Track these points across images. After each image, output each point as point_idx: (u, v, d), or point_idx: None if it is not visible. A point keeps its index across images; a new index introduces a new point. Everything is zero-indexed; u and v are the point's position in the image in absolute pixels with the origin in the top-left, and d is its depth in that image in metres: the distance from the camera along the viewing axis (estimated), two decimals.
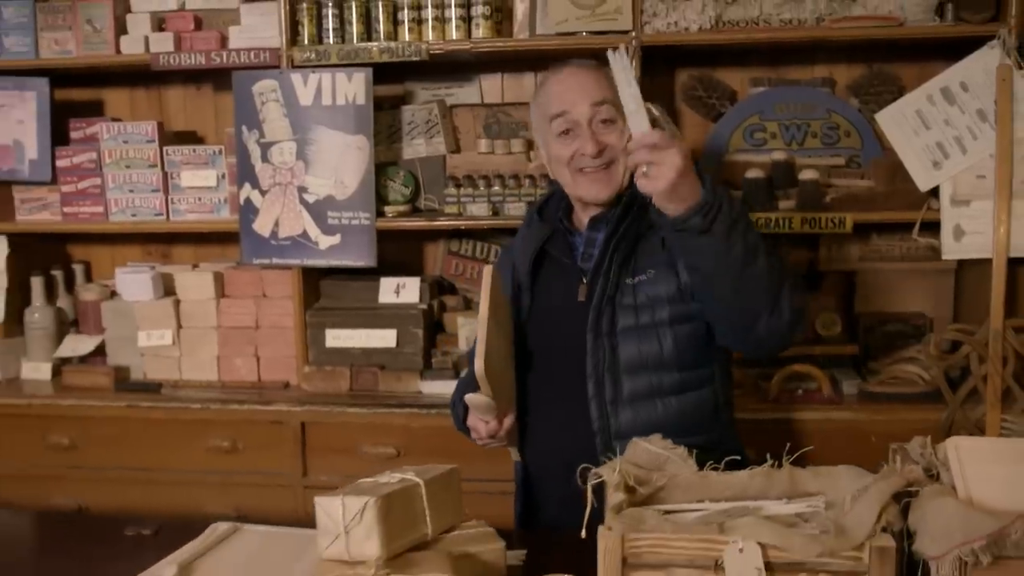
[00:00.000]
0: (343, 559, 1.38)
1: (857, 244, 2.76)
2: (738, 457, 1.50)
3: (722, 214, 1.53)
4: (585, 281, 1.77)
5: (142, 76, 3.02)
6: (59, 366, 2.89)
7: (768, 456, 1.43)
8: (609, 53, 1.52)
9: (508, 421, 1.72)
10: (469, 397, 1.66)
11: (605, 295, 1.73)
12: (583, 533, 1.41)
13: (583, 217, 1.84)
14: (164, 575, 1.50)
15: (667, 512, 1.40)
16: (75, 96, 3.02)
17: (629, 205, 1.76)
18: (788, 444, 1.49)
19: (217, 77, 2.99)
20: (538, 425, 1.83)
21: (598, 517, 1.45)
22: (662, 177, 1.48)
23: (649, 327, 1.73)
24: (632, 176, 1.65)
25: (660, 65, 2.76)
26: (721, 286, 1.62)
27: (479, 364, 1.61)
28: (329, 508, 1.38)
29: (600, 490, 1.69)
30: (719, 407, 1.83)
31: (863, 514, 1.28)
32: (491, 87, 2.92)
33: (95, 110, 3.06)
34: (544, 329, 1.81)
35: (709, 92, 2.77)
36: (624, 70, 1.50)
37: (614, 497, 1.39)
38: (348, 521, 1.37)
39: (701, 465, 1.58)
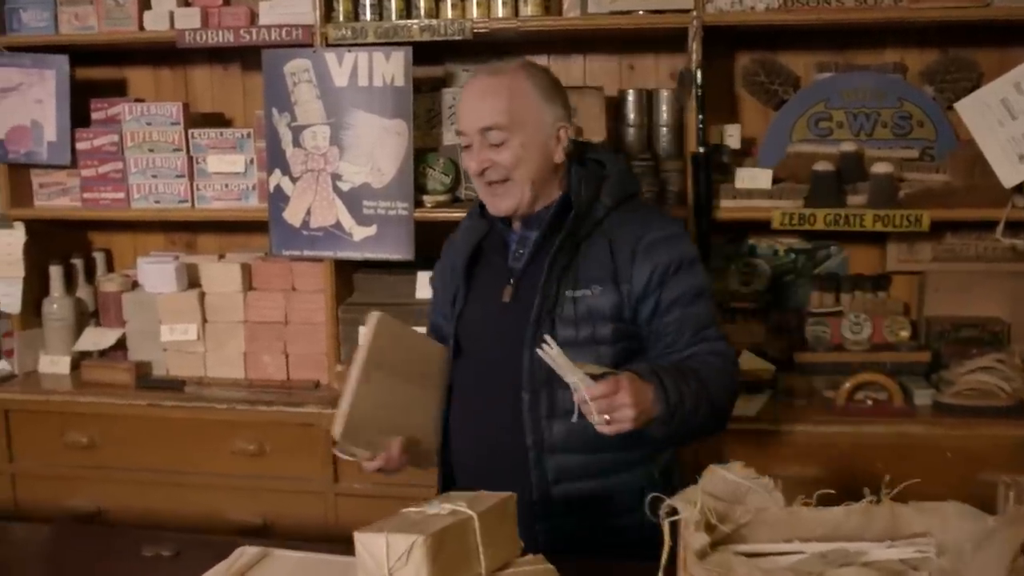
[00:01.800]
0: None
1: (929, 243, 2.57)
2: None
3: (678, 414, 1.55)
4: (512, 282, 1.74)
5: (167, 54, 2.86)
6: (78, 360, 2.76)
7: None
8: (538, 350, 1.49)
9: (396, 450, 1.64)
10: (337, 452, 1.63)
11: (544, 308, 1.68)
12: None
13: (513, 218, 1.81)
14: None
15: (752, 555, 1.24)
16: (96, 75, 2.87)
17: (564, 207, 1.72)
18: (888, 476, 1.32)
19: (246, 56, 2.83)
20: (466, 432, 1.77)
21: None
22: (624, 420, 1.48)
23: (589, 342, 1.68)
24: (569, 178, 1.74)
25: (718, 47, 2.56)
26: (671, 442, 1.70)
27: (336, 428, 1.55)
28: (371, 546, 1.23)
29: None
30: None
31: (990, 567, 1.11)
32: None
33: (117, 90, 2.91)
34: (473, 330, 1.78)
35: (772, 77, 2.58)
36: (556, 358, 1.47)
37: (696, 539, 1.22)
38: (393, 562, 1.22)
39: (645, 478, 1.69)
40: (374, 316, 1.64)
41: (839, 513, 1.29)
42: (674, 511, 1.25)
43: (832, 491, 1.34)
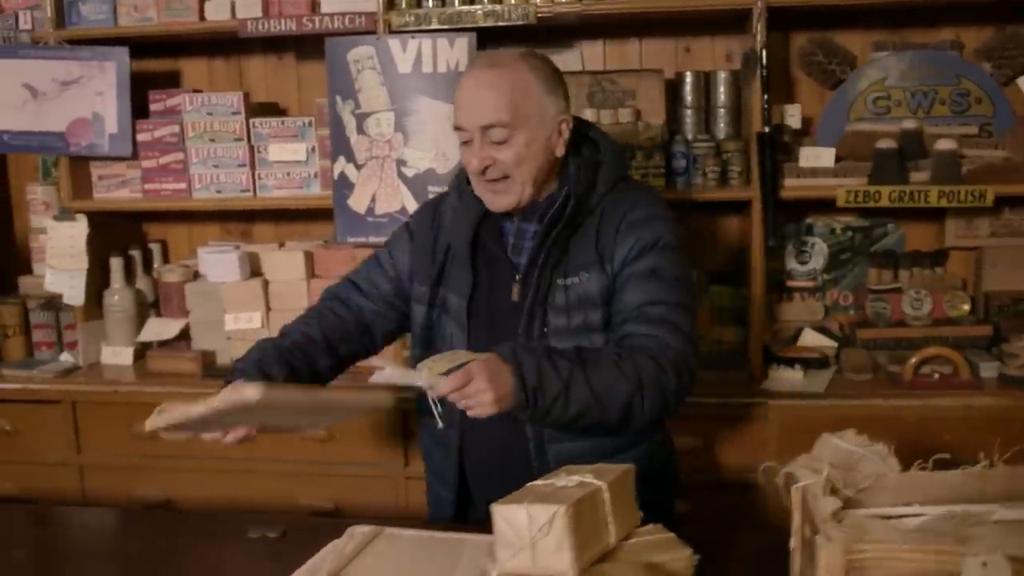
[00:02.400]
0: (527, 572, 1.24)
1: (987, 219, 2.60)
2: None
3: (544, 398, 1.49)
4: (518, 279, 1.70)
5: (221, 45, 2.88)
6: (140, 350, 2.77)
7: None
8: (372, 377, 1.50)
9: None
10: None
11: (537, 298, 1.67)
12: (792, 543, 1.29)
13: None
14: None
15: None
16: (150, 67, 2.88)
17: (565, 200, 1.68)
18: (998, 439, 1.35)
19: (300, 45, 2.84)
20: (475, 428, 1.73)
21: None
22: (483, 404, 1.45)
23: (580, 329, 1.67)
24: (566, 172, 1.70)
25: (775, 28, 2.56)
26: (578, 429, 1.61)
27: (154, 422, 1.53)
28: (511, 517, 1.25)
29: None
30: None
31: None
32: (592, 54, 2.75)
33: (172, 81, 2.92)
34: (481, 321, 1.72)
35: (829, 57, 2.59)
36: (391, 376, 1.50)
37: (826, 503, 1.24)
38: (535, 532, 1.23)
39: (644, 461, 1.62)
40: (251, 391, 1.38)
41: (957, 476, 1.31)
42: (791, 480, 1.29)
43: (947, 455, 1.37)
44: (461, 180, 1.79)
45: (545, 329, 1.67)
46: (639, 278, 1.65)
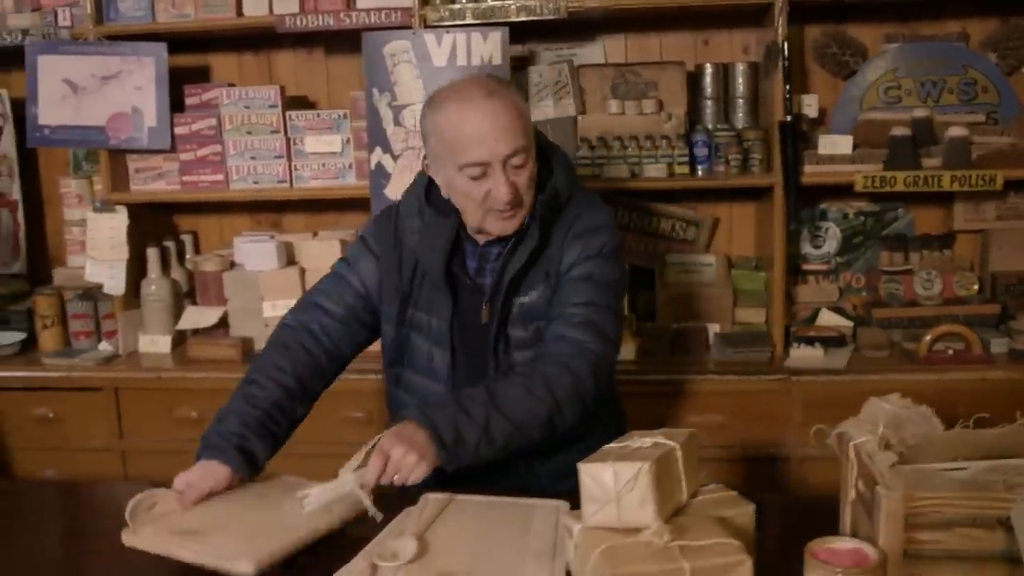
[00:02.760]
0: (613, 526, 1.33)
1: (993, 203, 2.72)
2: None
3: (465, 440, 1.57)
4: (486, 301, 1.74)
5: (251, 40, 2.94)
6: (176, 339, 2.84)
7: None
8: (304, 507, 1.54)
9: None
10: None
11: (501, 317, 1.73)
12: (850, 495, 1.39)
13: (477, 235, 1.76)
14: (406, 548, 1.45)
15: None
16: (182, 62, 2.94)
17: (527, 227, 1.71)
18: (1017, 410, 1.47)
19: (330, 40, 2.91)
20: None
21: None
22: (415, 467, 1.54)
23: (536, 339, 1.75)
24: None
25: (790, 21, 2.69)
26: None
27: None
28: (597, 475, 1.34)
29: None
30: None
31: None
32: (613, 47, 2.85)
33: (202, 76, 2.99)
34: (460, 345, 1.77)
35: (843, 49, 2.71)
36: (320, 496, 1.55)
37: (883, 457, 1.35)
38: (620, 487, 1.33)
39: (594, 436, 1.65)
40: None
41: (995, 434, 1.43)
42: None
43: (987, 415, 1.49)
44: (421, 202, 1.77)
45: (508, 343, 1.75)
46: (576, 281, 1.71)
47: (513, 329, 1.75)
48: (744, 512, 1.45)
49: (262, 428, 1.68)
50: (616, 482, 1.33)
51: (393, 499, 1.67)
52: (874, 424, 1.45)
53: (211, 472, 1.60)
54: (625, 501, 1.33)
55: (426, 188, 1.78)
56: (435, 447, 1.54)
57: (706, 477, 1.51)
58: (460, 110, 1.63)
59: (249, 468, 1.65)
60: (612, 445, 1.46)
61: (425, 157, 1.76)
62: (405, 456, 1.52)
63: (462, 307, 1.76)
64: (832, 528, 1.43)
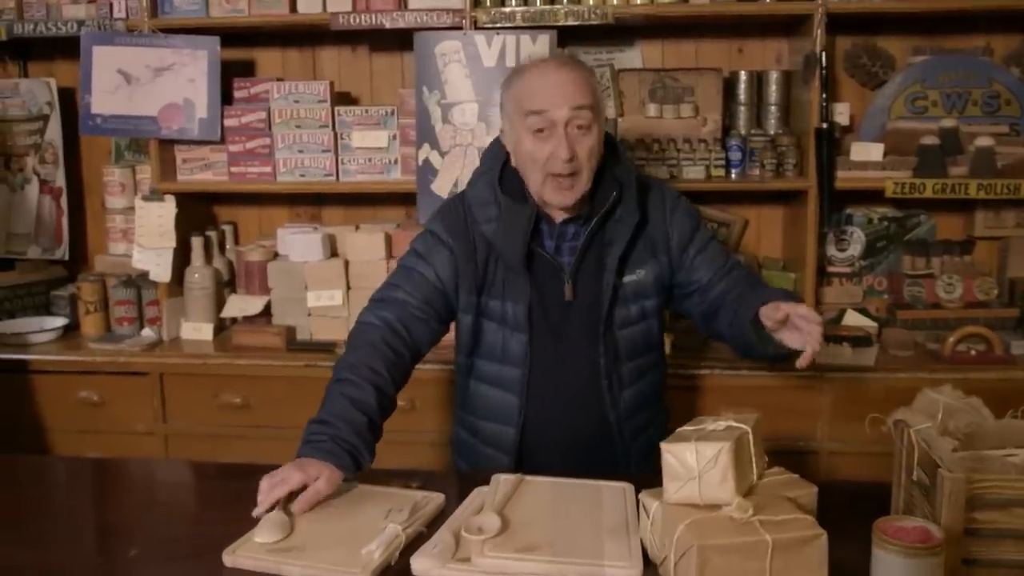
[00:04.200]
0: (694, 503, 1.42)
1: (1013, 211, 2.83)
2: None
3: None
4: (568, 279, 1.81)
5: (296, 36, 3.01)
6: (218, 326, 2.91)
7: None
8: None
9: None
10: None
11: (605, 297, 1.82)
12: (910, 477, 1.48)
13: (551, 211, 1.83)
14: (491, 523, 1.52)
15: None
16: (227, 56, 3.00)
17: (615, 201, 1.81)
18: None
19: (373, 39, 2.99)
20: (546, 413, 1.89)
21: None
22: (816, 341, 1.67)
23: (640, 318, 1.88)
24: (603, 178, 1.80)
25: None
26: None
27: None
28: (679, 454, 1.42)
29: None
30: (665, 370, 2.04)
31: None
32: (650, 53, 2.95)
33: (247, 70, 3.05)
34: (540, 327, 1.84)
35: (873, 60, 2.81)
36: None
37: (943, 443, 1.44)
38: (703, 465, 1.42)
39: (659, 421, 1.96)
40: None
41: None
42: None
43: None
44: (495, 190, 1.82)
45: (612, 324, 1.84)
46: (705, 252, 1.90)
47: (619, 309, 1.84)
48: (808, 493, 1.54)
49: (369, 435, 1.71)
50: (698, 461, 1.42)
51: (459, 479, 1.76)
52: (929, 413, 1.54)
53: (333, 481, 1.61)
54: (707, 479, 1.41)
55: (499, 178, 1.85)
56: None
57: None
58: (532, 72, 1.77)
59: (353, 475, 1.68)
60: (688, 427, 1.54)
61: (501, 130, 1.87)
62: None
63: (542, 288, 1.82)
64: (881, 510, 1.52)
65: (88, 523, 1.63)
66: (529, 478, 1.74)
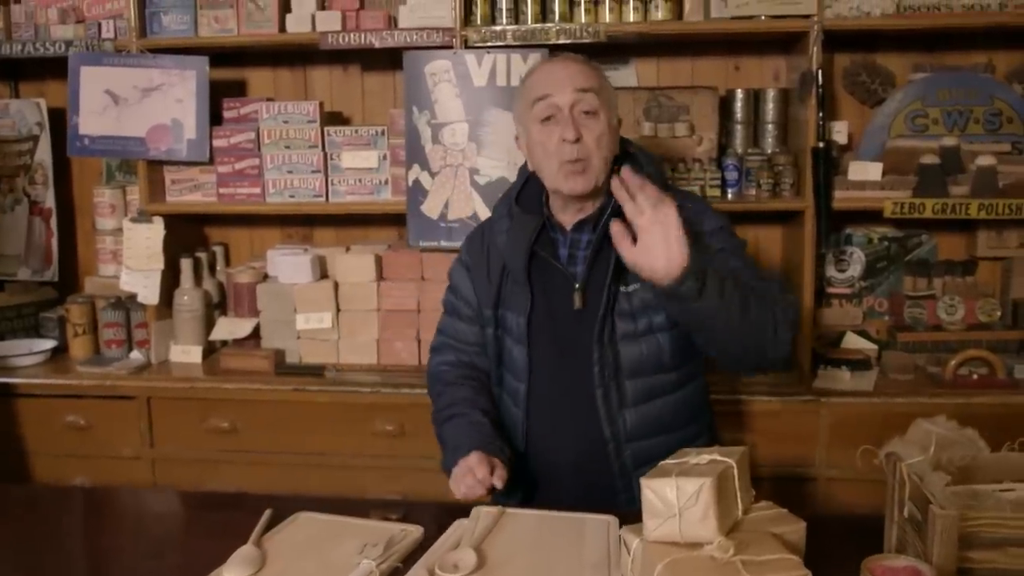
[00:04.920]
0: (675, 541, 1.36)
1: (1016, 231, 2.77)
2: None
3: (710, 275, 1.51)
4: (578, 287, 1.77)
5: (287, 56, 2.99)
6: (207, 349, 2.87)
7: None
8: None
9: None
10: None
11: (607, 307, 1.75)
12: (898, 514, 1.42)
13: (564, 216, 1.82)
14: (467, 560, 1.48)
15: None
16: (218, 75, 2.97)
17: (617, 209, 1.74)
18: None
19: (365, 58, 2.96)
20: (545, 428, 1.85)
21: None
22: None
23: (647, 332, 1.77)
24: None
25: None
26: (724, 340, 1.63)
27: None
28: (659, 490, 1.37)
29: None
30: (706, 396, 1.92)
31: None
32: (645, 71, 2.91)
33: (238, 89, 3.03)
34: (544, 333, 1.81)
35: (872, 77, 2.76)
36: None
37: (936, 477, 1.38)
38: (683, 502, 1.36)
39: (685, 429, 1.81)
40: None
41: None
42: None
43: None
44: (511, 204, 1.86)
45: (614, 335, 1.76)
46: (730, 253, 1.74)
47: (621, 321, 1.75)
48: (796, 529, 1.48)
49: (500, 439, 1.79)
50: (679, 497, 1.37)
51: (442, 511, 1.72)
52: (922, 445, 1.48)
53: (503, 474, 1.68)
54: (687, 516, 1.36)
55: (517, 193, 1.87)
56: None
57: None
58: (540, 66, 1.82)
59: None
60: (670, 461, 1.49)
61: (517, 137, 1.86)
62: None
63: (551, 296, 1.79)
64: (874, 546, 1.46)
65: (54, 557, 1.58)
66: (511, 511, 1.70)
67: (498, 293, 1.84)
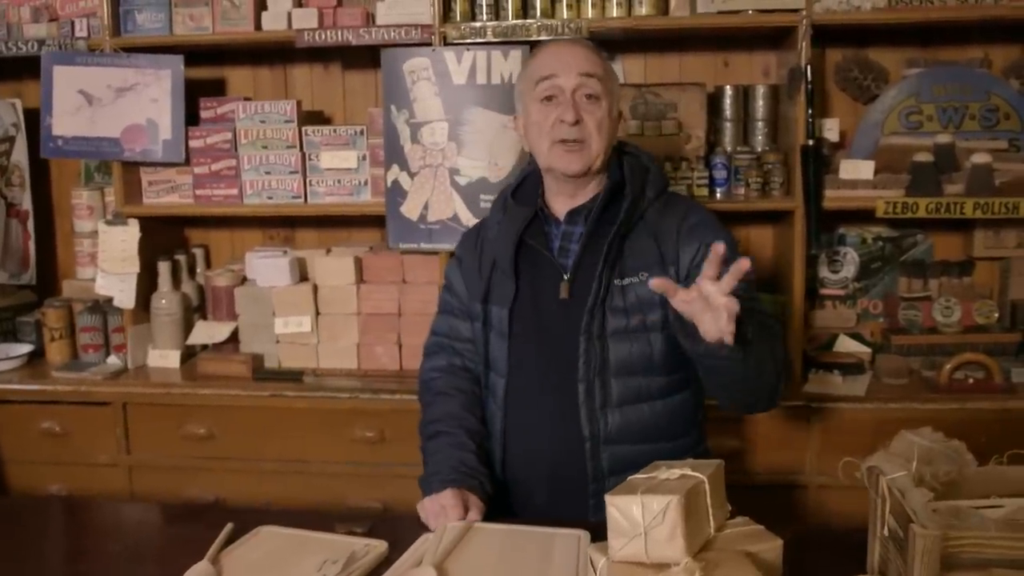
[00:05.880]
0: (641, 561, 1.30)
1: (1014, 231, 2.70)
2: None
3: (749, 339, 1.51)
4: (566, 278, 1.74)
5: (267, 54, 2.93)
6: (185, 354, 2.81)
7: None
8: None
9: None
10: None
11: (597, 298, 1.71)
12: (879, 531, 1.36)
13: (558, 206, 1.80)
14: None
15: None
16: (197, 74, 2.92)
17: (608, 201, 1.75)
18: None
19: (346, 56, 2.90)
20: (521, 425, 1.80)
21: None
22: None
23: (640, 330, 1.72)
24: (610, 168, 1.76)
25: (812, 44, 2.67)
26: (733, 390, 1.66)
27: None
28: (625, 508, 1.31)
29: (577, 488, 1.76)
30: (698, 409, 1.85)
31: None
32: (632, 67, 2.84)
33: (217, 88, 2.97)
34: (527, 325, 1.77)
35: (864, 73, 2.69)
36: None
37: (918, 494, 1.32)
38: (648, 521, 1.30)
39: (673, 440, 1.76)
40: None
41: None
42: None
43: (1021, 451, 1.45)
44: (507, 197, 1.86)
45: (604, 329, 1.72)
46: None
47: (613, 316, 1.71)
48: (772, 547, 1.41)
49: (483, 467, 1.76)
50: (644, 515, 1.30)
51: (411, 522, 1.66)
52: (905, 458, 1.41)
53: (481, 509, 1.67)
54: (653, 535, 1.30)
55: (514, 190, 1.87)
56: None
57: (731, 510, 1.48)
58: (545, 46, 1.81)
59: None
60: (639, 476, 1.43)
61: (516, 117, 1.85)
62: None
63: (537, 286, 1.76)
64: (858, 563, 1.40)
65: (13, 570, 1.53)
66: (479, 525, 1.64)
67: (487, 287, 1.81)
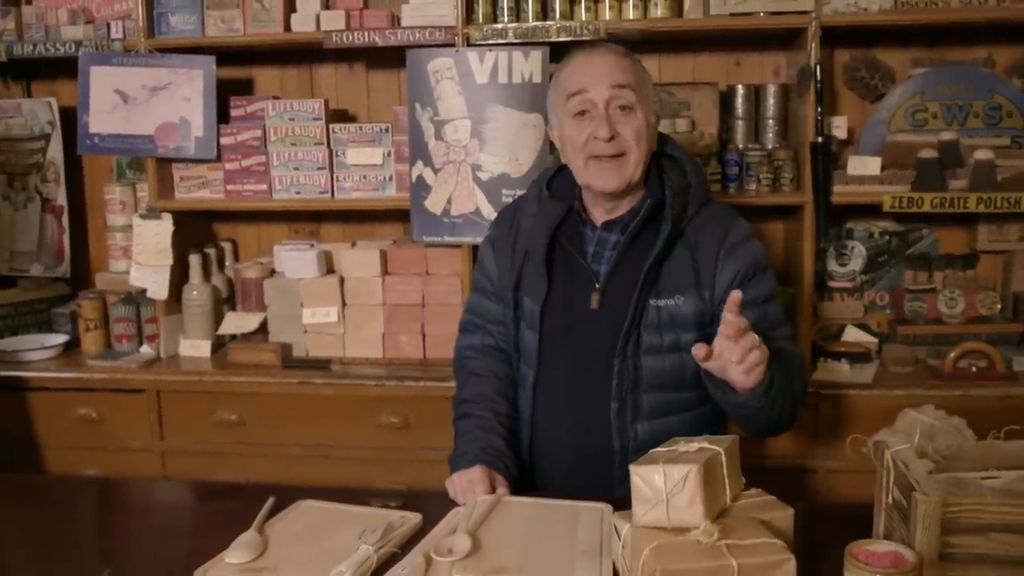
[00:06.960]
0: (663, 526, 1.39)
1: (1017, 225, 2.79)
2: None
3: (774, 387, 1.58)
4: (598, 287, 1.75)
5: (294, 54, 3.03)
6: (215, 343, 2.92)
7: None
8: None
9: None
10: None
11: (634, 321, 1.71)
12: (883, 501, 1.44)
13: (595, 211, 1.80)
14: (461, 545, 1.51)
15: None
16: (226, 74, 3.02)
17: (647, 220, 1.74)
18: None
19: (371, 56, 3.00)
20: (552, 431, 1.84)
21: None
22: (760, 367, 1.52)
23: (673, 348, 1.73)
24: (649, 181, 1.75)
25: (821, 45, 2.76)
26: (755, 422, 1.70)
27: None
28: (647, 476, 1.40)
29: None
30: (723, 419, 1.86)
31: None
32: (648, 67, 2.90)
33: (245, 88, 3.07)
34: (557, 327, 1.79)
35: (872, 73, 2.78)
36: None
37: (920, 465, 1.41)
38: (670, 488, 1.39)
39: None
40: None
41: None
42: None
43: (1017, 427, 1.55)
44: (541, 188, 1.85)
45: (639, 348, 1.74)
46: (759, 304, 1.73)
47: (647, 334, 1.72)
48: (784, 516, 1.50)
49: (509, 452, 1.80)
50: (666, 483, 1.40)
51: (441, 499, 1.75)
52: (909, 434, 1.51)
53: (505, 486, 1.71)
54: (674, 502, 1.39)
55: (549, 180, 1.86)
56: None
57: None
58: (575, 57, 1.76)
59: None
60: (660, 449, 1.52)
61: (550, 127, 1.84)
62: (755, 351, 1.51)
63: (569, 290, 1.76)
64: (864, 533, 1.48)
65: (64, 542, 1.63)
66: (508, 498, 1.73)
67: (519, 275, 1.82)
